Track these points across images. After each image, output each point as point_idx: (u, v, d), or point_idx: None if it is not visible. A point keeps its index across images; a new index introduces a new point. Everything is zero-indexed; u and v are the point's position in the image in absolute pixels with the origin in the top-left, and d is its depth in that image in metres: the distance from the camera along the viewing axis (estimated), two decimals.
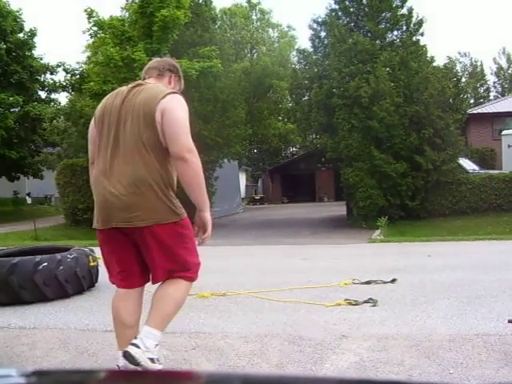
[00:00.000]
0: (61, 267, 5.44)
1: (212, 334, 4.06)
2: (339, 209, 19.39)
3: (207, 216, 3.17)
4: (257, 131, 30.39)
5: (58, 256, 5.54)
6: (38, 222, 15.91)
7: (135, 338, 2.82)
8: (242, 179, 37.46)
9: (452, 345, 3.54)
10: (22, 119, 20.90)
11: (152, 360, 2.74)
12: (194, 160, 2.92)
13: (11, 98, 20.33)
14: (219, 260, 8.78)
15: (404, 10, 16.31)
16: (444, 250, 8.82)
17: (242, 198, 33.03)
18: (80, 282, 5.68)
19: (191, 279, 3.04)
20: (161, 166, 2.94)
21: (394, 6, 16.18)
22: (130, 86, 3.13)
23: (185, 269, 3.01)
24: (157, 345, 2.81)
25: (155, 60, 3.45)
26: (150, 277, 3.10)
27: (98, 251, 6.36)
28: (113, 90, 13.37)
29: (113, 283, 3.14)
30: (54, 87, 22.39)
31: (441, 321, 4.15)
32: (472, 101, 43.23)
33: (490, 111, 26.32)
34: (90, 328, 4.37)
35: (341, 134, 14.98)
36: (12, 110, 20.83)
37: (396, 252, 8.98)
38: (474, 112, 26.10)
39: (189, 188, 3.08)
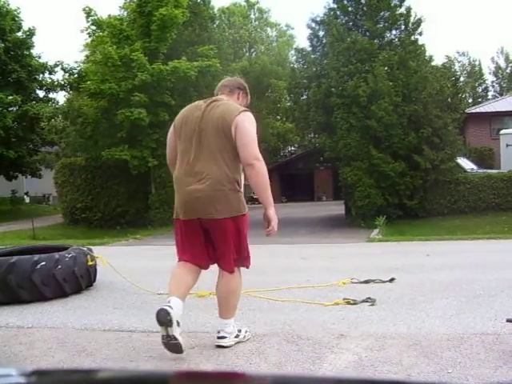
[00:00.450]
0: (59, 266, 5.41)
1: (210, 333, 4.06)
2: (337, 208, 19.39)
3: (271, 212, 3.67)
4: None
5: (56, 255, 5.51)
6: (36, 221, 15.90)
7: (218, 332, 3.67)
8: (241, 178, 37.43)
9: (450, 344, 3.55)
10: (20, 118, 20.90)
11: (237, 336, 3.68)
12: (261, 166, 3.60)
13: (9, 97, 20.32)
14: None
15: (402, 10, 16.33)
16: (442, 250, 8.83)
17: None
18: (78, 282, 5.65)
19: (247, 267, 3.82)
20: (234, 169, 3.59)
21: (392, 5, 16.19)
22: (207, 100, 3.80)
23: (245, 258, 3.75)
24: (233, 325, 3.69)
25: (227, 79, 4.15)
26: (217, 262, 3.77)
27: (96, 250, 6.38)
28: (110, 89, 13.63)
29: (180, 260, 3.73)
30: (53, 86, 22.38)
31: (439, 320, 4.15)
32: (470, 100, 43.30)
33: (489, 110, 26.35)
34: (88, 327, 4.37)
35: (339, 134, 14.98)
36: (10, 109, 20.82)
37: (394, 251, 8.99)
38: (473, 111, 26.14)
39: (255, 189, 3.72)
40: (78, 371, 1.86)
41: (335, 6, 16.53)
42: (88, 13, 16.12)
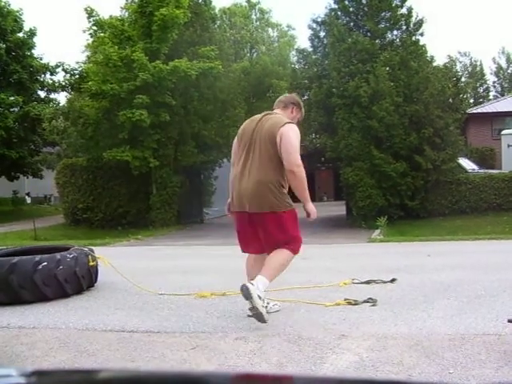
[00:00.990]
0: (60, 267, 5.41)
1: (212, 333, 4.06)
2: (339, 208, 19.38)
3: (308, 206, 4.45)
4: None
5: (58, 256, 5.51)
6: (37, 222, 15.92)
7: (252, 280, 4.16)
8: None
9: (452, 344, 3.54)
10: (21, 119, 20.92)
11: (259, 297, 4.00)
12: (300, 173, 4.26)
13: (11, 98, 20.34)
14: (219, 260, 8.79)
15: (404, 10, 16.32)
16: (444, 250, 8.82)
17: None
18: (79, 282, 5.65)
19: (292, 250, 4.38)
20: (278, 173, 4.26)
21: (393, 5, 16.17)
22: (263, 114, 4.57)
23: (286, 243, 4.33)
24: (264, 291, 4.12)
25: (284, 95, 4.94)
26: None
27: (97, 250, 6.38)
28: (112, 89, 13.64)
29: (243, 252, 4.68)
30: (54, 87, 22.40)
31: (440, 320, 4.14)
32: (472, 100, 43.24)
33: (490, 111, 26.35)
34: (89, 328, 4.37)
35: (340, 134, 14.98)
36: (12, 109, 20.84)
37: (395, 252, 8.98)
38: (474, 112, 26.13)
39: (295, 190, 4.37)
40: (80, 371, 1.86)
41: (336, 6, 16.52)
42: (90, 13, 16.12)
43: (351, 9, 16.40)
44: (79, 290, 5.70)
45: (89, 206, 17.65)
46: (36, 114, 20.24)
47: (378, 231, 12.75)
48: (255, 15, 38.00)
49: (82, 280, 5.68)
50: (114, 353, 3.70)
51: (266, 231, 4.32)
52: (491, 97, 47.09)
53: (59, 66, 22.06)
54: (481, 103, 35.84)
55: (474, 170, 17.88)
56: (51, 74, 22.64)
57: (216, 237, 13.81)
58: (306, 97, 17.30)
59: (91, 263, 5.83)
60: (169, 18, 15.22)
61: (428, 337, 3.74)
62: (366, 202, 14.70)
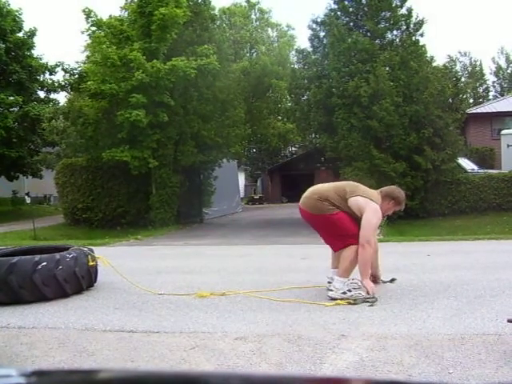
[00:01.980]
0: (60, 267, 5.41)
1: (211, 333, 4.06)
2: None
3: (365, 283, 5.00)
4: (256, 131, 30.34)
5: (57, 256, 5.51)
6: (37, 222, 15.90)
7: (329, 283, 5.21)
8: (241, 179, 37.46)
9: (451, 344, 3.54)
10: (21, 119, 20.91)
11: (344, 293, 4.92)
12: (368, 249, 4.94)
13: (11, 98, 20.33)
14: (218, 260, 8.78)
15: (403, 10, 16.31)
16: (443, 250, 8.82)
17: (241, 198, 33.02)
18: (79, 282, 5.65)
19: (356, 244, 4.97)
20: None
21: (393, 5, 16.17)
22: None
23: (344, 240, 5.08)
24: (345, 282, 4.99)
25: (390, 188, 5.64)
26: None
27: (97, 250, 6.37)
28: (110, 89, 13.57)
29: None
30: (53, 87, 22.40)
31: (440, 320, 4.15)
32: (471, 100, 43.27)
33: (489, 111, 26.33)
34: (88, 328, 4.37)
35: (340, 134, 14.98)
36: (11, 109, 20.83)
37: (395, 252, 8.97)
38: (474, 112, 26.12)
39: (358, 264, 5.04)
40: (79, 371, 1.86)
41: (336, 6, 16.51)
42: (88, 14, 16.11)
43: (351, 9, 16.40)
44: (79, 290, 5.69)
45: (88, 206, 17.64)
46: (35, 114, 20.23)
47: (377, 231, 12.72)
48: (255, 15, 38.00)
49: (82, 280, 5.68)
50: (114, 353, 3.70)
51: (322, 233, 5.65)
52: (491, 97, 47.13)
53: (58, 66, 22.06)
54: (480, 103, 35.83)
55: (473, 170, 17.88)
56: (50, 74, 22.64)
57: (215, 237, 13.81)
58: (305, 97, 17.31)
59: (91, 263, 5.82)
60: (168, 17, 15.20)
61: (428, 337, 3.74)
62: None
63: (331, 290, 4.98)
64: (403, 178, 14.79)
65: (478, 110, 26.79)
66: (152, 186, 16.68)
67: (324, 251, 9.55)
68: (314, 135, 21.97)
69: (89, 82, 15.40)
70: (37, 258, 5.38)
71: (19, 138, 21.16)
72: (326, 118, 15.60)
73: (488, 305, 4.57)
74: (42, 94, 22.93)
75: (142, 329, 4.24)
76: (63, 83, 21.63)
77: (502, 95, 41.87)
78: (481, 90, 50.20)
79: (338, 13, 16.55)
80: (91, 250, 6.09)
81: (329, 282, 5.28)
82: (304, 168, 35.16)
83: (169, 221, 16.59)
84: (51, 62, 22.40)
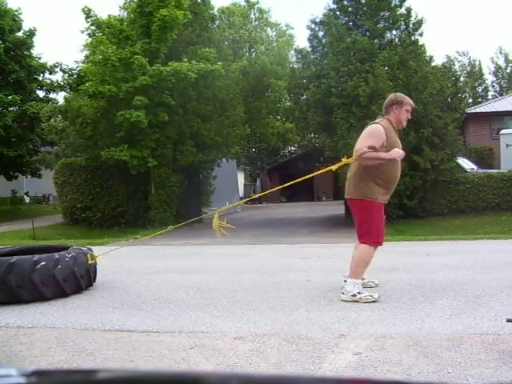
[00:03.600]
0: (59, 266, 5.40)
1: (210, 333, 4.06)
2: (337, 208, 19.40)
3: (392, 153, 4.87)
4: (255, 130, 30.38)
5: (56, 255, 5.50)
6: (35, 221, 15.90)
7: (342, 288, 5.02)
8: (241, 178, 37.46)
9: (450, 344, 3.55)
10: (19, 118, 20.90)
11: (354, 295, 4.86)
12: (361, 159, 4.92)
13: (9, 97, 20.32)
14: (217, 259, 8.78)
15: (403, 10, 16.31)
16: (442, 249, 8.83)
17: (241, 198, 33.03)
18: (78, 282, 5.64)
19: (368, 243, 5.01)
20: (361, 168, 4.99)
21: (392, 5, 16.17)
22: None
23: (362, 235, 5.05)
24: (356, 285, 4.90)
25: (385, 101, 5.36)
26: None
27: (96, 250, 6.37)
28: (109, 91, 13.59)
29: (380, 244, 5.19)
30: (52, 87, 22.39)
31: (439, 320, 4.15)
32: (470, 100, 43.30)
33: (489, 110, 26.34)
34: (88, 327, 4.37)
35: (339, 133, 14.97)
36: (10, 108, 20.82)
37: (394, 251, 8.98)
38: (473, 111, 26.12)
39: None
40: (78, 371, 1.86)
41: (335, 6, 16.51)
42: (87, 13, 16.09)
43: (350, 8, 16.40)
44: (78, 290, 5.68)
45: (87, 206, 17.64)
46: (33, 113, 20.22)
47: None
48: (254, 15, 38.03)
49: (81, 279, 5.67)
50: (113, 352, 3.70)
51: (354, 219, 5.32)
52: (490, 96, 47.14)
53: (57, 67, 22.06)
54: (479, 103, 35.85)
55: (472, 169, 17.87)
56: (50, 74, 22.64)
57: (214, 236, 13.79)
58: (304, 96, 17.30)
59: (90, 261, 5.81)
60: (169, 18, 15.19)
61: (427, 336, 3.74)
62: None
63: (342, 294, 4.97)
64: (402, 177, 14.73)
65: (477, 110, 26.79)
66: (151, 186, 16.68)
67: (324, 251, 9.58)
68: (312, 135, 21.98)
69: (87, 84, 15.38)
70: (36, 257, 5.36)
71: (18, 137, 21.16)
72: (325, 117, 15.59)
73: (487, 304, 4.57)
74: (41, 94, 22.93)
75: (141, 328, 4.24)
76: (62, 83, 21.62)
77: (501, 95, 41.91)
78: (480, 90, 50.22)
79: (337, 12, 16.54)
80: (90, 250, 6.08)
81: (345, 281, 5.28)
82: (303, 167, 35.08)
83: (168, 220, 16.58)
84: (50, 62, 22.43)
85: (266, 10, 38.35)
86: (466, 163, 18.32)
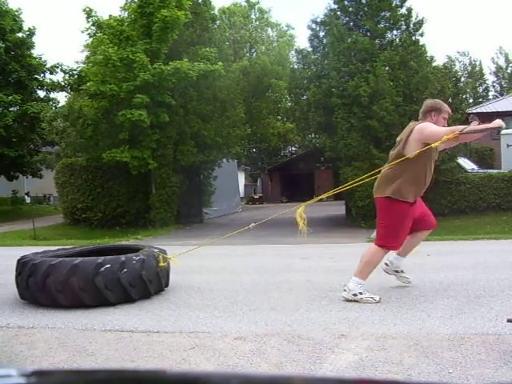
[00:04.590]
0: (124, 270, 5.07)
1: (211, 333, 4.06)
2: (338, 208, 19.39)
3: (483, 127, 4.89)
4: (256, 130, 30.38)
5: (122, 257, 5.18)
6: (36, 222, 15.90)
7: (344, 285, 5.05)
8: (241, 179, 37.47)
9: (451, 344, 3.54)
10: (20, 118, 20.90)
11: (355, 295, 4.85)
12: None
13: (10, 97, 20.32)
14: (218, 259, 8.78)
15: (403, 10, 16.30)
16: (443, 250, 8.82)
17: (241, 198, 33.04)
18: (146, 286, 5.27)
19: (383, 246, 5.04)
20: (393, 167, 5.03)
21: (393, 5, 16.16)
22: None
23: (380, 237, 5.06)
24: (359, 284, 4.90)
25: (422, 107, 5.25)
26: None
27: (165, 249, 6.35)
28: (110, 90, 13.59)
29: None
30: (53, 86, 22.40)
31: (440, 320, 4.15)
32: (471, 100, 43.26)
33: (489, 111, 26.32)
34: (88, 327, 4.37)
35: (340, 134, 14.97)
36: (11, 108, 20.82)
37: (394, 251, 8.97)
38: (473, 111, 26.10)
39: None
40: (79, 371, 1.86)
41: (336, 6, 16.51)
42: (88, 13, 16.09)
43: (351, 9, 16.39)
44: (146, 296, 5.32)
45: (88, 206, 17.64)
46: (34, 113, 20.22)
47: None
48: (254, 15, 38.06)
49: (149, 284, 5.30)
50: (114, 352, 3.70)
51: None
52: (490, 96, 47.13)
53: (57, 67, 22.07)
54: (480, 103, 35.82)
55: (473, 169, 17.86)
56: (50, 74, 22.66)
57: (215, 236, 13.78)
58: (305, 97, 17.30)
59: (162, 264, 5.44)
60: (170, 19, 15.19)
61: (427, 337, 3.74)
62: (366, 202, 14.68)
63: (344, 291, 4.97)
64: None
65: (478, 110, 26.76)
66: (152, 186, 16.68)
67: (324, 251, 9.57)
68: (313, 135, 21.96)
69: (88, 83, 15.39)
70: (100, 259, 5.07)
71: (19, 137, 21.17)
72: (326, 117, 15.59)
73: (488, 305, 4.57)
74: (41, 94, 22.95)
75: (141, 329, 4.24)
76: (63, 83, 21.62)
77: (502, 95, 41.86)
78: (480, 90, 50.20)
79: (338, 12, 16.53)
80: (163, 251, 5.69)
81: (386, 264, 5.45)
82: (304, 168, 35.17)
83: (168, 221, 16.59)
84: (50, 62, 22.45)
85: (267, 10, 38.41)
86: (466, 163, 18.32)
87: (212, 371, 3.11)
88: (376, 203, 5.20)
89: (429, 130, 4.87)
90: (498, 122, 4.76)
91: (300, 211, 5.36)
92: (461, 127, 4.79)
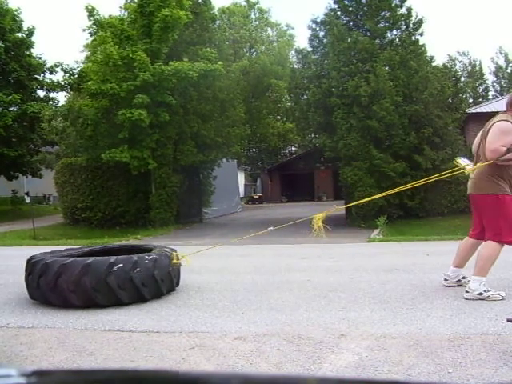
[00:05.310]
0: (137, 269, 5.06)
1: (211, 333, 4.06)
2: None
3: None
4: (255, 130, 30.33)
5: (135, 257, 5.16)
6: (36, 221, 15.90)
7: (446, 280, 5.34)
8: (241, 178, 37.47)
9: (451, 344, 3.54)
10: (20, 118, 20.89)
11: (480, 294, 4.75)
12: (490, 157, 4.94)
13: (9, 97, 20.31)
14: (218, 259, 8.77)
15: (403, 10, 16.32)
16: (443, 249, 8.81)
17: (241, 198, 33.04)
18: (158, 286, 5.27)
19: (498, 241, 4.92)
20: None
21: (393, 5, 16.17)
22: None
23: (495, 233, 4.91)
24: (482, 282, 4.81)
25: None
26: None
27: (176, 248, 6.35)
28: (111, 89, 13.56)
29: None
30: (53, 86, 22.39)
31: (440, 320, 4.15)
32: (471, 100, 43.25)
33: (489, 110, 26.24)
34: (88, 327, 4.37)
35: (339, 134, 14.98)
36: (10, 108, 20.81)
37: (395, 251, 8.98)
38: (473, 111, 26.07)
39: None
40: (79, 371, 1.86)
41: (336, 6, 16.52)
42: (90, 11, 16.09)
43: (351, 8, 16.40)
44: (158, 295, 5.33)
45: (88, 206, 17.64)
46: (34, 112, 20.21)
47: (377, 231, 12.74)
48: (254, 15, 38.02)
49: (161, 283, 5.30)
50: (113, 352, 3.70)
51: (480, 216, 5.41)
52: (490, 96, 47.10)
53: (58, 66, 22.05)
54: (480, 103, 35.79)
55: None
56: (50, 73, 22.64)
57: (215, 236, 13.81)
58: (305, 96, 17.31)
59: (174, 261, 5.47)
60: (171, 18, 15.18)
61: (427, 336, 3.74)
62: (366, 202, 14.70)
63: (466, 292, 4.84)
64: (403, 177, 14.79)
65: (478, 110, 26.72)
66: (151, 186, 16.68)
67: (324, 251, 9.57)
68: (313, 135, 21.99)
69: (89, 82, 15.38)
70: (112, 259, 5.06)
71: (18, 136, 21.16)
72: (326, 117, 15.60)
73: (487, 304, 4.57)
74: (41, 94, 22.93)
75: (141, 328, 4.24)
76: (63, 83, 21.61)
77: (502, 95, 41.85)
78: (480, 90, 50.18)
79: (338, 12, 16.55)
80: (174, 250, 5.73)
81: (445, 279, 5.39)
82: (303, 168, 35.19)
83: (168, 220, 16.59)
84: (50, 62, 22.43)
85: (267, 9, 38.36)
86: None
87: (212, 371, 3.11)
88: (478, 200, 5.43)
89: (492, 136, 4.95)
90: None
91: (320, 217, 5.60)
92: (501, 151, 4.84)
